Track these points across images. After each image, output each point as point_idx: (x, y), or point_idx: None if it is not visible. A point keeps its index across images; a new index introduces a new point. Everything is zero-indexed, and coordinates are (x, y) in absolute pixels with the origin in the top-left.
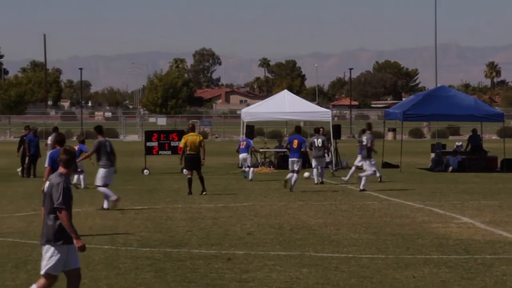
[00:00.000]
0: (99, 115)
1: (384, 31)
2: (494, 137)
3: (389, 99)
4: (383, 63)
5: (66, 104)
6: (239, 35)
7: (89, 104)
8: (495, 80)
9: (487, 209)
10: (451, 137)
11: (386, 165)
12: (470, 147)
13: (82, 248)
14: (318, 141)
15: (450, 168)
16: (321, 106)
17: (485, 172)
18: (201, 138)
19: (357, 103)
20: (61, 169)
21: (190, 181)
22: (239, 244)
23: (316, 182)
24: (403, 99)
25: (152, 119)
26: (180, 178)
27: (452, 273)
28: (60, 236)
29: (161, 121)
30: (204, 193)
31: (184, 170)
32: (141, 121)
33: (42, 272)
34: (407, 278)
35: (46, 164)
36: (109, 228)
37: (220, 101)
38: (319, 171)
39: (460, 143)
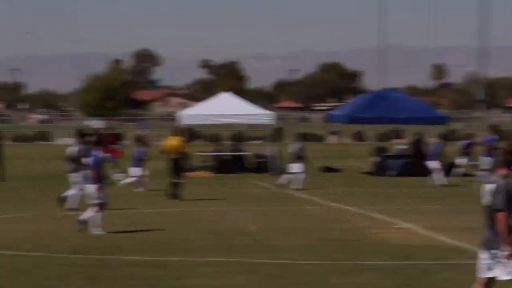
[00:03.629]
0: (33, 118)
1: (328, 32)
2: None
3: (333, 101)
4: (327, 64)
5: None
6: (179, 36)
7: (24, 106)
8: (441, 82)
9: (428, 214)
10: (394, 140)
11: (327, 169)
12: (414, 151)
13: (509, 256)
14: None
15: (393, 172)
16: (263, 109)
17: (428, 177)
18: (178, 142)
19: (301, 105)
20: (502, 170)
21: (172, 185)
22: (176, 250)
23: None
24: (346, 101)
25: (89, 122)
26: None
27: (392, 279)
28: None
29: (98, 124)
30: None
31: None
32: (77, 123)
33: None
34: (347, 284)
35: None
36: (38, 233)
37: (159, 103)
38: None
39: (404, 146)
